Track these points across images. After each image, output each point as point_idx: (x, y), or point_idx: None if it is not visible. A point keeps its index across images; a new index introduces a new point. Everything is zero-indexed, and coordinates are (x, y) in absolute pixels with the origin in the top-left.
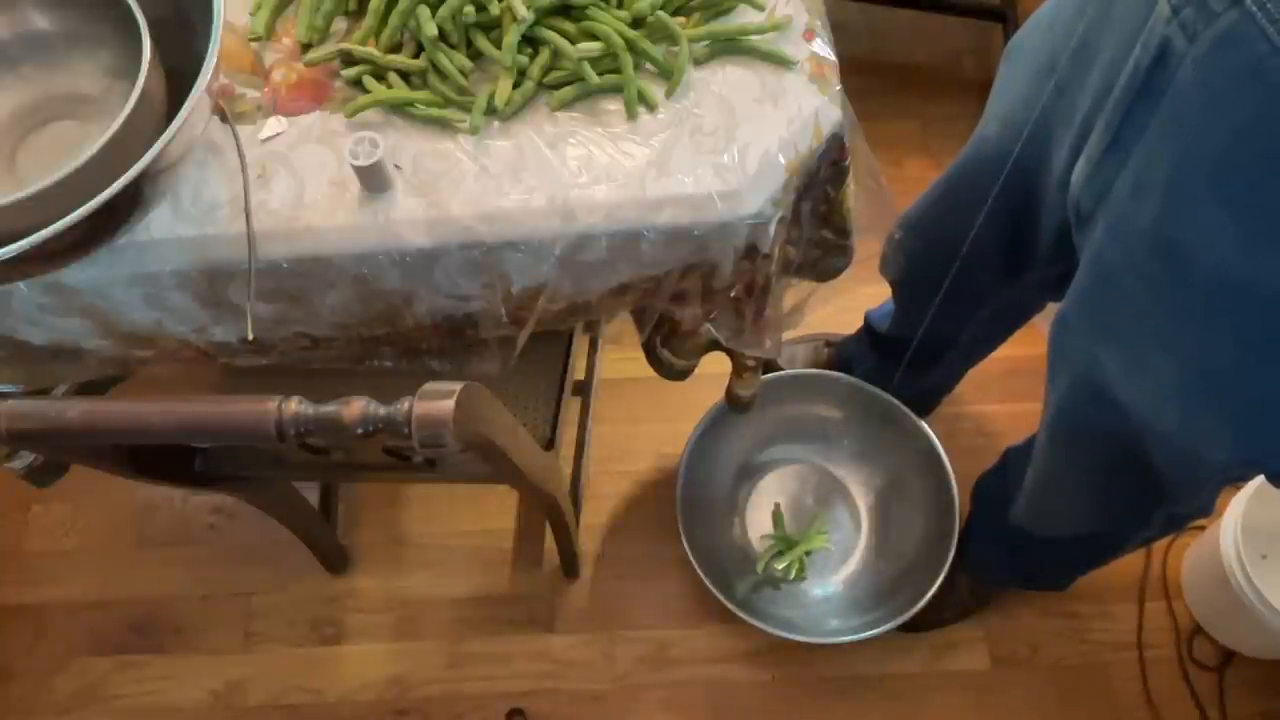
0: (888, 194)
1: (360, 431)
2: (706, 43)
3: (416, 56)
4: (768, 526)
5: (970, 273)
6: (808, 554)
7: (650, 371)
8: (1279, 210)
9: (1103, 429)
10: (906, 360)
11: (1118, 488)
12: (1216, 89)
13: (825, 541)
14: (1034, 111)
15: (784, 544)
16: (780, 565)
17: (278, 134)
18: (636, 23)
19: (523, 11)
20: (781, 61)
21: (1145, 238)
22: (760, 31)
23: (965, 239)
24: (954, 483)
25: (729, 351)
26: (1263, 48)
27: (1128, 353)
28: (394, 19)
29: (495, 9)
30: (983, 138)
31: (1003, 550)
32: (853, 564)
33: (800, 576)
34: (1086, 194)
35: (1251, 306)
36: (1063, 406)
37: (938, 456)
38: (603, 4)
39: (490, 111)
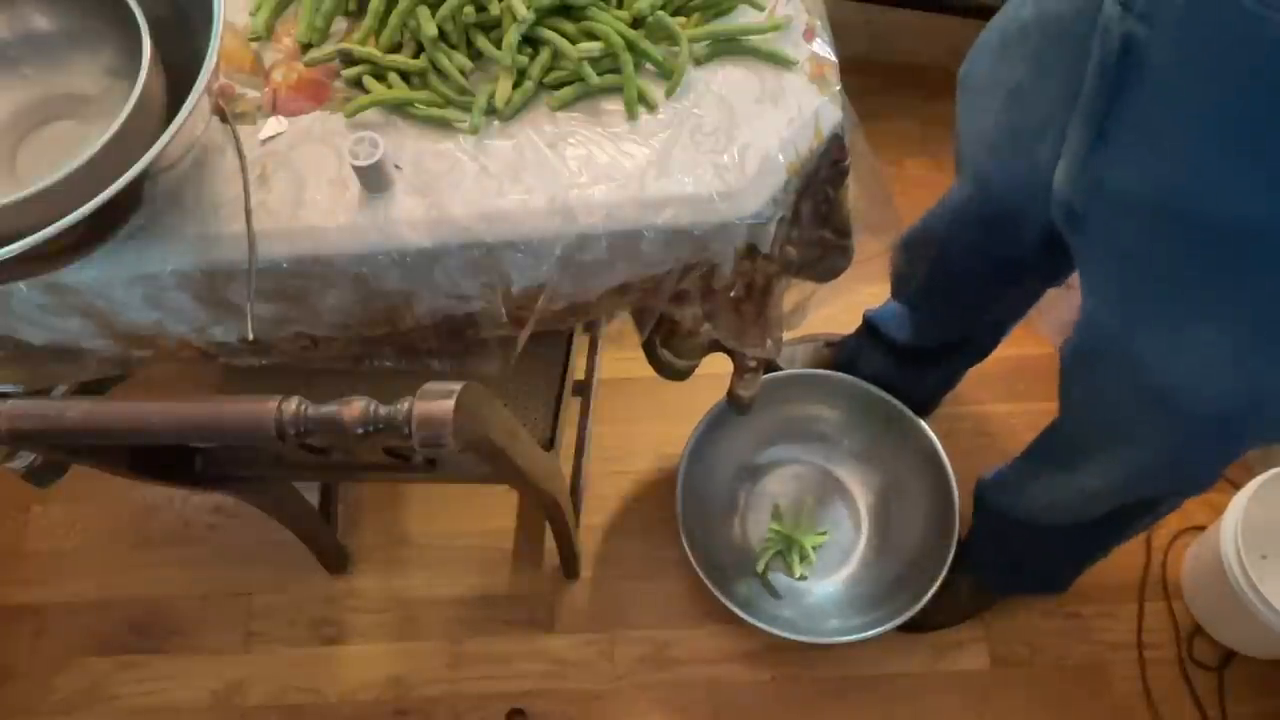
0: (887, 194)
1: (360, 431)
2: (706, 43)
3: (416, 56)
4: (768, 526)
5: (966, 289)
6: (803, 556)
7: (650, 371)
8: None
9: (1147, 415)
10: (912, 360)
11: (1148, 476)
12: (1195, 57)
13: (815, 545)
14: (1002, 132)
15: (783, 541)
16: (779, 562)
17: (278, 134)
18: (636, 23)
19: (523, 11)
20: (781, 61)
21: (1161, 211)
22: (760, 31)
23: (953, 261)
24: (954, 483)
25: (730, 352)
26: (1229, 14)
27: (1167, 332)
28: (394, 19)
29: (495, 9)
30: (960, 164)
31: (1005, 552)
32: (853, 564)
33: (800, 575)
34: (1076, 193)
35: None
36: (1098, 407)
37: (938, 456)
38: (603, 4)
39: (490, 111)
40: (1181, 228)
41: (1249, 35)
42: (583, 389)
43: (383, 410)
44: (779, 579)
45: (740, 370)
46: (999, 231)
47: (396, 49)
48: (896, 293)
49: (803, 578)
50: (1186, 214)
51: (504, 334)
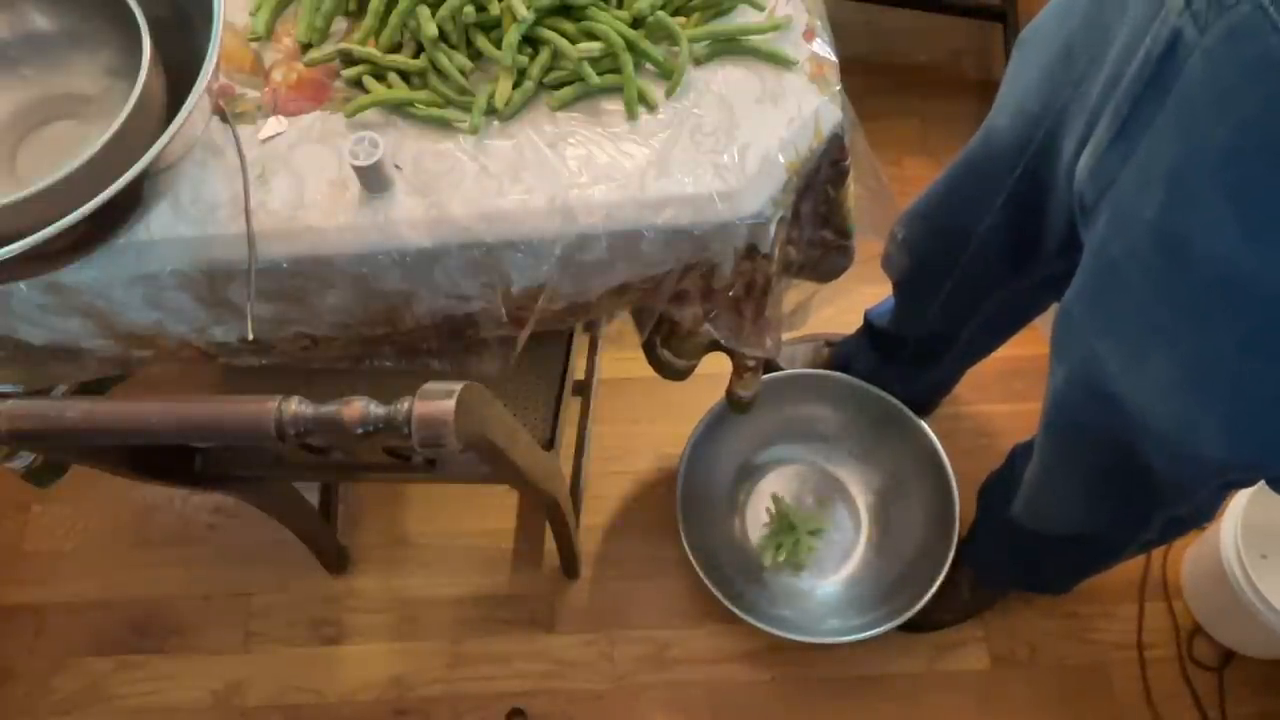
0: (888, 194)
1: (360, 431)
2: (706, 43)
3: (416, 56)
4: (767, 511)
5: (975, 265)
6: (800, 546)
7: (650, 371)
8: None
9: (1098, 424)
10: (906, 359)
11: (1112, 486)
12: (1225, 81)
13: (817, 536)
14: (1046, 100)
15: (784, 529)
16: (778, 553)
17: (278, 134)
18: (636, 23)
19: (523, 11)
20: (781, 61)
21: (1148, 230)
22: (760, 31)
23: (971, 230)
24: (954, 483)
25: (729, 351)
26: (1273, 40)
27: (1127, 346)
28: (394, 19)
29: (495, 9)
30: (992, 128)
31: (1004, 550)
32: (853, 564)
33: (798, 562)
34: (1091, 185)
35: (1252, 302)
36: (1059, 400)
37: (938, 457)
38: (603, 4)
39: (490, 111)
40: (1164, 257)
41: (1272, 68)
42: (583, 389)
43: (383, 410)
44: (779, 579)
45: (740, 370)
46: (1028, 197)
47: (396, 49)
48: (891, 273)
49: (801, 564)
50: (1172, 245)
51: (504, 334)
